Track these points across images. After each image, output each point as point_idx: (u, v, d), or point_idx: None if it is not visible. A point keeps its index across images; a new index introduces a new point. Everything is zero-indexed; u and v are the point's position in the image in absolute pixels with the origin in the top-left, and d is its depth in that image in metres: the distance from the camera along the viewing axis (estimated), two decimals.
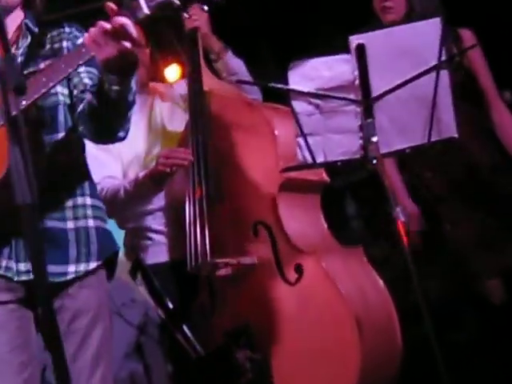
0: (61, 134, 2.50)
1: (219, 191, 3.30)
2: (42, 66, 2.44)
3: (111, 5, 2.14)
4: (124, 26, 2.12)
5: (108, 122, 2.37)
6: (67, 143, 2.51)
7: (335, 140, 2.91)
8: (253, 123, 3.30)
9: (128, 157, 3.48)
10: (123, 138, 2.46)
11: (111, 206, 3.23)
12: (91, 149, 2.78)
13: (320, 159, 2.92)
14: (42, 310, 1.76)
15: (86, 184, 2.59)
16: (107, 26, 2.13)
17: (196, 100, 3.35)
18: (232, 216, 3.30)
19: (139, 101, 2.66)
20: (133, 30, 2.12)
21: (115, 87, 2.23)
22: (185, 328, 3.09)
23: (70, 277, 2.47)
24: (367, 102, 2.82)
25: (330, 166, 3.14)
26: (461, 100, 3.04)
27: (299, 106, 2.92)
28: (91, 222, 2.56)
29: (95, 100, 2.31)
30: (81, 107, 2.43)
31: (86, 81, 2.47)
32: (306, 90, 2.87)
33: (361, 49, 2.80)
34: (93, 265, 2.52)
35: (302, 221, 3.29)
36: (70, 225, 2.51)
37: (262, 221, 3.24)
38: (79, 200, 2.55)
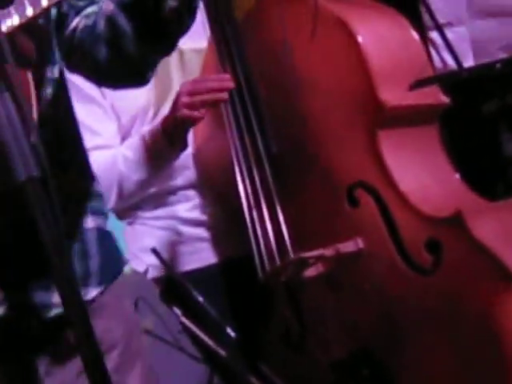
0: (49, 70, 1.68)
1: (283, 146, 2.12)
2: None
3: None
4: None
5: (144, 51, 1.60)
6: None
7: (489, 28, 2.12)
8: (317, 28, 2.10)
9: (128, 111, 2.28)
10: (146, 83, 1.68)
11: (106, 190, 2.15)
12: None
13: (469, 62, 2.09)
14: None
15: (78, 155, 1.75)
16: None
17: None
18: (311, 184, 2.12)
19: None
20: None
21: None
22: (263, 368, 1.99)
23: (54, 312, 1.64)
24: None
25: (483, 73, 2.11)
26: None
27: None
28: (90, 221, 1.70)
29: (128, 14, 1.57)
30: (91, 24, 1.66)
31: None
32: None
33: None
34: (92, 293, 1.68)
35: (421, 169, 2.09)
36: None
37: (361, 181, 2.04)
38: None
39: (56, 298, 1.62)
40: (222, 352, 2.06)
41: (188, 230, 2.34)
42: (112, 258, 1.77)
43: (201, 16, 2.16)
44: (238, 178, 2.13)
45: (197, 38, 2.24)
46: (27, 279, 1.70)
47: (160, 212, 2.36)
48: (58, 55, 1.70)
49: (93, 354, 1.25)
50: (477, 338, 1.88)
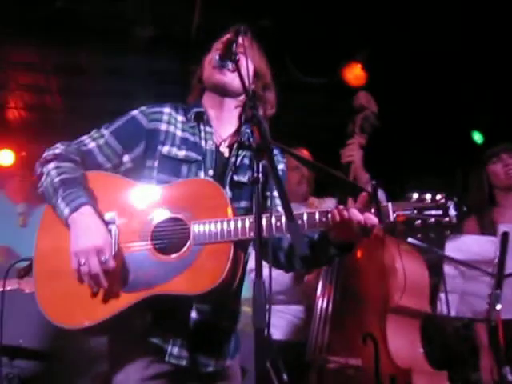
0: None
1: (344, 299, 4.09)
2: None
3: (365, 194, 2.33)
4: (372, 225, 2.28)
5: (295, 261, 2.71)
6: None
7: (468, 301, 3.74)
8: (378, 252, 4.08)
9: None
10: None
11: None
12: None
13: (452, 313, 3.80)
14: None
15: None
16: (359, 217, 2.28)
17: None
18: (349, 322, 4.08)
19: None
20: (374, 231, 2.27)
21: (332, 252, 2.53)
22: None
23: (210, 369, 2.70)
24: (500, 277, 3.62)
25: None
26: None
27: (448, 269, 3.81)
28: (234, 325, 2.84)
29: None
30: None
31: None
32: (459, 258, 3.69)
33: (505, 236, 3.66)
34: (228, 362, 2.77)
35: (403, 340, 4.01)
36: (226, 324, 2.77)
37: (372, 334, 4.00)
38: (237, 303, 2.82)
39: (214, 362, 2.65)
40: None
41: (299, 320, 4.34)
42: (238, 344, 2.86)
43: None
44: (320, 298, 4.11)
45: None
46: (202, 348, 2.62)
47: (287, 309, 4.39)
48: None
49: None
50: None
